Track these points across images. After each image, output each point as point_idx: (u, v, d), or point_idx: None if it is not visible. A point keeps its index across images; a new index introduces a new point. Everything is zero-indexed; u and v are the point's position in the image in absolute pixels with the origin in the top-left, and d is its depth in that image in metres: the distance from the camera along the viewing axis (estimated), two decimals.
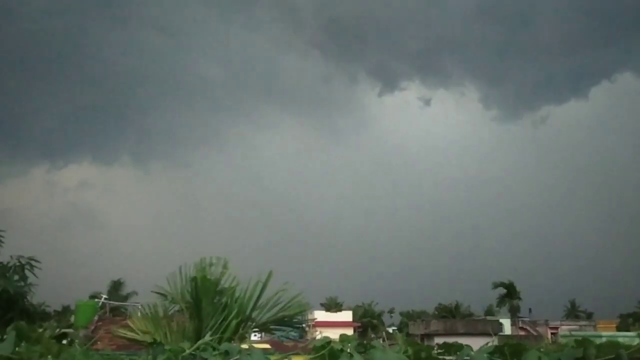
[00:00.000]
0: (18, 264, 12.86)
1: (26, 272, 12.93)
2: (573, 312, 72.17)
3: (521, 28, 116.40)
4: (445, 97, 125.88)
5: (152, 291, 6.69)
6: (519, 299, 63.15)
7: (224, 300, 6.20)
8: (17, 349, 3.12)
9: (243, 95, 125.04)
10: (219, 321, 5.97)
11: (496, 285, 62.71)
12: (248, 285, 6.34)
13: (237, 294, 6.25)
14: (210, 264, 6.27)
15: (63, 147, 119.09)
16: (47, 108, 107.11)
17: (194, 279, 6.23)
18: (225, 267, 6.30)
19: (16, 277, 12.72)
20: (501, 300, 64.28)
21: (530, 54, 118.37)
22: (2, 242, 12.99)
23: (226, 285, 6.28)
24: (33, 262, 13.04)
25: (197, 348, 4.04)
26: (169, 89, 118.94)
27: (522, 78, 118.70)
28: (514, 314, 61.33)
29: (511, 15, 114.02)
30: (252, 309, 6.33)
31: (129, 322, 6.88)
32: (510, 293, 63.22)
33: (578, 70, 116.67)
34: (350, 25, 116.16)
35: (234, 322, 5.95)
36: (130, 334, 6.61)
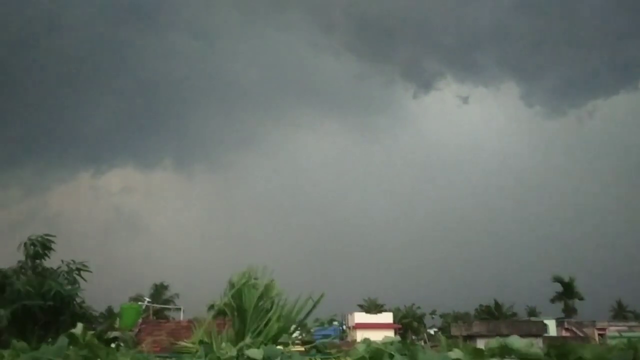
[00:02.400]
0: (68, 269, 13.20)
1: (75, 276, 13.26)
2: (620, 313, 70.02)
3: (560, 19, 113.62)
4: (483, 95, 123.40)
5: (208, 305, 6.84)
6: (581, 298, 61.30)
7: (267, 305, 6.27)
8: (67, 352, 3.22)
9: (280, 97, 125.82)
10: (262, 325, 6.04)
11: (555, 279, 61.00)
12: (298, 298, 6.43)
13: (281, 301, 6.32)
14: (255, 275, 6.36)
15: (107, 152, 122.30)
16: (91, 114, 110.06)
17: (237, 286, 6.33)
18: (269, 277, 6.39)
19: (66, 282, 13.06)
20: (556, 297, 62.52)
21: (571, 46, 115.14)
22: (53, 248, 13.37)
23: (269, 291, 6.35)
24: (83, 268, 13.35)
25: (240, 350, 4.09)
26: (207, 92, 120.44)
27: (564, 72, 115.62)
28: (568, 314, 59.54)
29: (549, 6, 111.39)
30: (301, 320, 6.43)
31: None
32: (567, 291, 61.32)
33: (625, 60, 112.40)
34: (382, 25, 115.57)
35: (276, 326, 6.01)
36: (178, 346, 6.75)
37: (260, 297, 6.32)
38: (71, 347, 3.42)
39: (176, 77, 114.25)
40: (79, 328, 3.42)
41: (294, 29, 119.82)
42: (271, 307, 6.29)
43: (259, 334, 5.92)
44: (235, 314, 6.30)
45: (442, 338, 3.85)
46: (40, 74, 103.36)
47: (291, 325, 6.38)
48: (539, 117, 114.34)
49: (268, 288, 6.39)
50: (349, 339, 46.04)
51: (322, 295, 6.54)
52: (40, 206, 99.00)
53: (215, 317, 7.67)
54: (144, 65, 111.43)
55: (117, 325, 21.96)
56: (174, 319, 44.80)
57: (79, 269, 13.29)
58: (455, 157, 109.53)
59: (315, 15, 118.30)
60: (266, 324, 6.05)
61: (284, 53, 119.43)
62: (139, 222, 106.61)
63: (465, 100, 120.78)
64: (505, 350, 3.47)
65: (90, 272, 13.33)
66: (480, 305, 64.95)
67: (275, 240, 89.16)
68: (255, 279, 6.39)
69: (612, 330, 50.47)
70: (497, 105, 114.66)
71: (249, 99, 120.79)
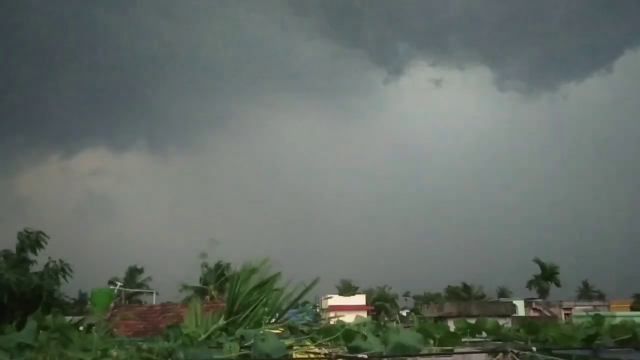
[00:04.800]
0: (54, 266, 13.31)
1: (59, 275, 13.38)
2: (586, 293, 71.96)
3: (531, 2, 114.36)
4: (456, 78, 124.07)
5: (189, 285, 6.77)
6: (555, 282, 63.34)
7: (265, 293, 6.22)
8: (37, 337, 3.18)
9: (253, 78, 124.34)
10: (248, 310, 6.02)
11: (537, 261, 62.92)
12: (287, 284, 6.39)
13: (271, 286, 6.28)
14: (255, 267, 6.32)
15: (77, 133, 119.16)
16: (61, 95, 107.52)
17: (236, 275, 6.31)
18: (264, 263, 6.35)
19: (53, 276, 13.20)
20: (533, 281, 64.50)
21: (542, 30, 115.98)
22: (46, 243, 13.37)
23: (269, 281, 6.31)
24: (67, 269, 13.48)
25: (212, 333, 4.09)
26: (181, 72, 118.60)
27: (536, 56, 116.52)
28: (542, 296, 61.39)
29: None
30: (289, 306, 6.39)
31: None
32: (544, 274, 63.31)
33: (598, 43, 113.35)
34: (353, 8, 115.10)
35: (261, 311, 6.00)
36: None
37: (258, 286, 6.26)
38: (41, 331, 3.38)
39: (151, 56, 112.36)
40: (40, 313, 3.39)
41: (266, 10, 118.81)
42: (262, 294, 6.26)
43: (245, 319, 5.92)
44: (227, 298, 6.29)
45: (415, 318, 3.92)
46: (6, 52, 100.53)
47: (277, 311, 6.35)
48: (512, 101, 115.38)
49: (269, 279, 6.34)
50: (322, 321, 46.34)
51: (315, 281, 6.47)
52: (7, 189, 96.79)
53: (195, 298, 7.64)
54: (116, 44, 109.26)
55: (89, 309, 21.81)
56: (146, 302, 44.51)
57: (63, 270, 13.46)
58: (428, 140, 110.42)
59: None
60: (253, 310, 6.04)
61: (257, 34, 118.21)
62: (111, 205, 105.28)
63: (437, 83, 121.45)
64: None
65: (72, 276, 13.48)
66: (449, 286, 66.29)
67: (249, 223, 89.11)
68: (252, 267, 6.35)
69: (578, 309, 51.92)
70: (470, 89, 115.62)
71: (223, 80, 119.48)
